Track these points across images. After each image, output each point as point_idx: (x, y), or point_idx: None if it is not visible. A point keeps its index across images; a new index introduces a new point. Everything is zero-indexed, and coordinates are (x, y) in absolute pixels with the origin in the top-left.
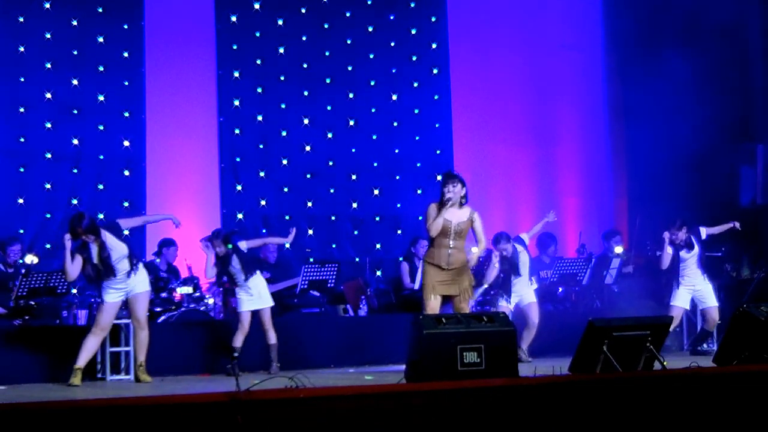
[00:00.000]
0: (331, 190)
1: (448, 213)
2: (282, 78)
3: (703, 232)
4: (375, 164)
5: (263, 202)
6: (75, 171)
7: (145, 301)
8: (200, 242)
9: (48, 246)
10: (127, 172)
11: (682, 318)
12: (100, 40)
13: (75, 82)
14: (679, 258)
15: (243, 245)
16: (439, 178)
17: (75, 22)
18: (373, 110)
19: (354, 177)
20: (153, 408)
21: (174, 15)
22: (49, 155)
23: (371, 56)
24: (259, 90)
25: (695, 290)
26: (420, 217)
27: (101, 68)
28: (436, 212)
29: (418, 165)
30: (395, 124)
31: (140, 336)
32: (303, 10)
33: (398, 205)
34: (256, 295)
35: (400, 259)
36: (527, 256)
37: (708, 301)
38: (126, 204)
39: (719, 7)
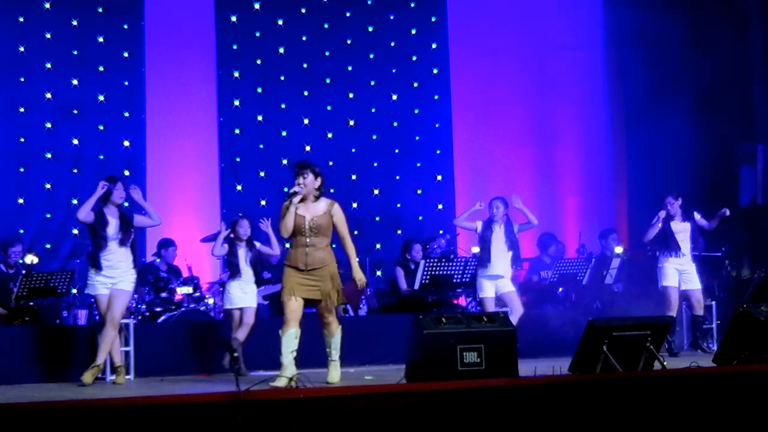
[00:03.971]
0: (331, 190)
1: (301, 208)
2: (282, 78)
3: (697, 216)
4: (375, 164)
5: (263, 202)
6: (75, 171)
7: (124, 299)
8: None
9: (48, 246)
10: (127, 172)
11: (682, 317)
12: (100, 40)
13: (75, 82)
14: (670, 230)
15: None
16: (439, 178)
17: (75, 22)
18: (373, 110)
19: (354, 177)
20: (153, 408)
21: (174, 15)
22: (49, 155)
23: (371, 56)
24: (259, 90)
25: (681, 269)
26: (420, 217)
27: (101, 68)
28: (286, 207)
29: (418, 165)
30: (395, 124)
31: (109, 335)
32: (303, 10)
33: (398, 205)
34: (249, 293)
35: (399, 260)
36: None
37: (692, 284)
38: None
39: (720, 10)
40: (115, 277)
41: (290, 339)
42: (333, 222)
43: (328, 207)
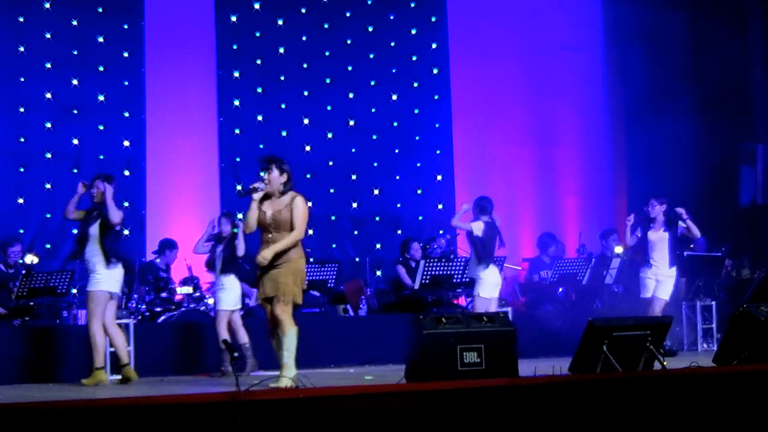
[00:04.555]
0: (331, 190)
1: (266, 204)
2: (282, 78)
3: (682, 224)
4: (375, 164)
5: None
6: (75, 171)
7: (90, 300)
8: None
9: (48, 246)
10: (127, 172)
11: (683, 318)
12: (100, 40)
13: (75, 82)
14: (646, 240)
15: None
16: (439, 178)
17: (75, 22)
18: (373, 110)
19: (354, 177)
20: (153, 408)
21: (174, 15)
22: (49, 155)
23: (371, 56)
24: (259, 90)
25: (659, 278)
26: (420, 217)
27: (101, 68)
28: (257, 205)
29: (418, 165)
30: (395, 124)
31: (90, 338)
32: (303, 10)
33: (398, 205)
34: (218, 292)
35: (399, 260)
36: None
37: (659, 292)
38: (126, 204)
39: (720, 10)
40: (88, 277)
41: (291, 338)
42: (291, 215)
43: (290, 201)
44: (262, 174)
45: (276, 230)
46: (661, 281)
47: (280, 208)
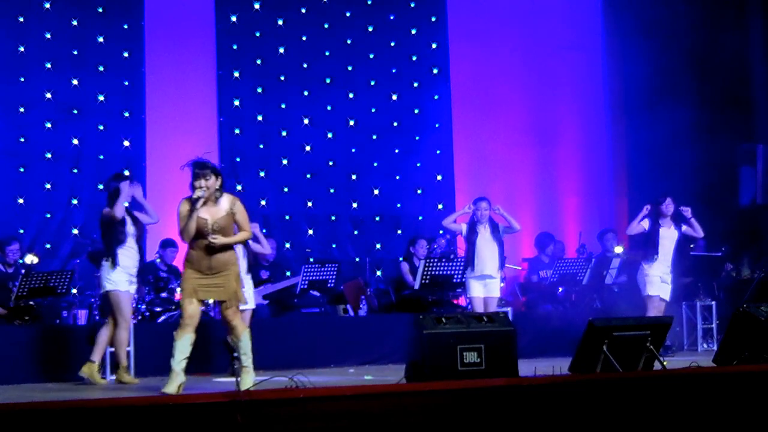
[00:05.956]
0: (331, 190)
1: (203, 210)
2: (282, 78)
3: (684, 227)
4: (375, 164)
5: (263, 202)
6: (75, 171)
7: None
8: None
9: (48, 246)
10: (127, 172)
11: (682, 317)
12: (100, 40)
13: (75, 82)
14: (657, 234)
15: None
16: (439, 178)
17: (75, 22)
18: (373, 110)
19: (354, 177)
20: (153, 408)
21: (174, 15)
22: (49, 155)
23: (371, 56)
24: (259, 90)
25: (662, 278)
26: (420, 217)
27: (101, 68)
28: (188, 210)
29: (418, 165)
30: (395, 124)
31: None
32: (303, 10)
33: (398, 205)
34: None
35: (401, 259)
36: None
37: (664, 293)
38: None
39: (721, 9)
40: None
41: (185, 345)
42: (235, 219)
43: (230, 205)
44: (199, 182)
45: (219, 236)
46: (665, 281)
47: (221, 214)
